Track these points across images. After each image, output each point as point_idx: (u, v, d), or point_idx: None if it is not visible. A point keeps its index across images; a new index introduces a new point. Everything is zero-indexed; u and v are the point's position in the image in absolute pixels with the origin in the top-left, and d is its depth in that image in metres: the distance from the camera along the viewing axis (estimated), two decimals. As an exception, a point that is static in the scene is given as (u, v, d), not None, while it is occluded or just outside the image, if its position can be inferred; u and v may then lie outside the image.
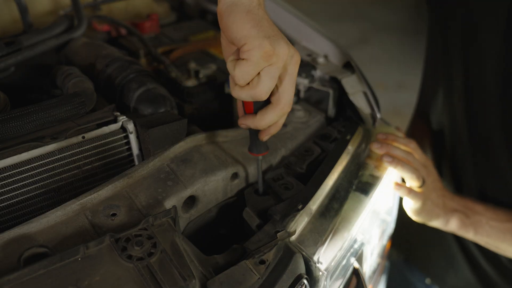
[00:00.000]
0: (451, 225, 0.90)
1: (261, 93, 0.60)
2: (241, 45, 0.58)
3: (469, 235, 0.90)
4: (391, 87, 3.61)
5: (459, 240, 1.12)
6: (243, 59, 0.58)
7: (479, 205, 0.91)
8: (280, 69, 0.60)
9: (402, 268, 1.33)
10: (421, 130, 1.21)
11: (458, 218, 0.89)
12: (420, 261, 1.29)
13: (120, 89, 0.87)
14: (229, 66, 0.60)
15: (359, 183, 0.83)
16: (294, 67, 0.61)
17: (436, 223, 0.92)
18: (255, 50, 0.57)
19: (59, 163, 0.71)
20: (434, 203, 0.89)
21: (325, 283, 0.68)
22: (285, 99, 0.63)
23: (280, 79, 0.62)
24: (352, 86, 0.92)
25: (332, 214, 0.75)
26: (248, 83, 0.60)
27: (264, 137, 0.69)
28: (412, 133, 1.28)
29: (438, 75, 1.09)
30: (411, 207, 0.92)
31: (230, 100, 1.03)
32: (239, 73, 0.58)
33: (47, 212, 0.65)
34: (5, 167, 0.66)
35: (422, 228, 1.23)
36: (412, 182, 0.88)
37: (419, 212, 0.91)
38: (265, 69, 0.59)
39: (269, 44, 0.57)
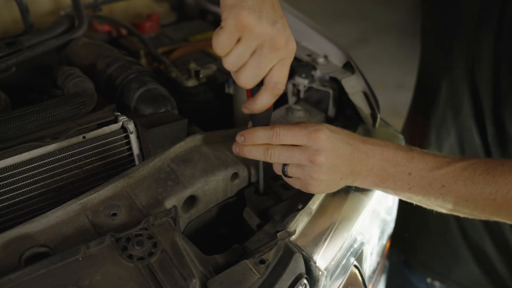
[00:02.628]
0: (366, 183, 0.74)
1: (228, 66, 0.61)
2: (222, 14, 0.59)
3: (388, 190, 0.74)
4: (391, 87, 3.62)
5: (465, 234, 1.12)
6: (221, 27, 0.58)
7: (401, 154, 0.72)
8: (253, 46, 0.59)
9: (403, 269, 1.32)
10: (420, 124, 1.21)
11: (373, 174, 0.72)
12: (422, 260, 1.28)
13: (121, 89, 0.87)
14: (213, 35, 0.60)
15: (359, 183, 0.83)
16: (268, 49, 0.59)
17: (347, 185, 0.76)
18: (231, 19, 0.57)
19: (60, 163, 0.71)
20: (333, 180, 0.71)
21: (325, 282, 0.68)
22: (243, 76, 0.62)
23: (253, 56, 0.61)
24: (352, 86, 0.93)
25: (332, 214, 0.75)
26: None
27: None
28: (411, 128, 1.28)
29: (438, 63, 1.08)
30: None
31: (230, 100, 1.03)
32: (214, 40, 0.59)
33: (48, 212, 0.65)
34: (6, 167, 0.67)
35: (423, 225, 1.22)
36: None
37: (306, 190, 0.73)
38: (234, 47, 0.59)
39: (247, 15, 0.57)
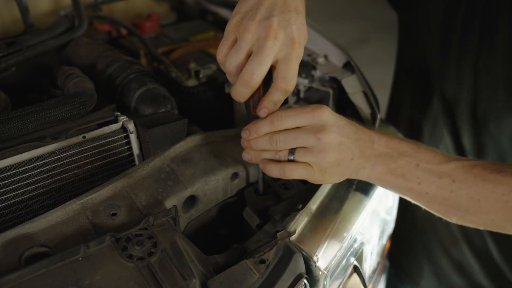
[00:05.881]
0: (374, 173, 0.70)
1: (227, 67, 0.63)
2: None
3: (397, 182, 0.69)
4: (390, 87, 3.60)
5: (443, 246, 1.11)
6: None
7: (407, 145, 0.69)
8: (248, 42, 0.61)
9: (392, 279, 1.31)
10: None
11: (382, 163, 0.68)
12: (407, 272, 1.27)
13: (121, 89, 0.87)
14: None
15: (359, 182, 0.83)
16: (263, 43, 0.60)
17: (356, 176, 0.72)
18: (227, 26, 0.63)
19: (60, 163, 0.71)
20: (344, 160, 0.67)
21: (325, 282, 0.68)
22: (245, 72, 0.63)
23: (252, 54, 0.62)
24: (352, 86, 0.93)
25: (332, 214, 0.75)
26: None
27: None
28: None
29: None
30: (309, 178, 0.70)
31: (230, 100, 1.03)
32: (220, 46, 0.64)
33: (48, 211, 0.65)
34: (6, 167, 0.67)
35: (405, 238, 1.21)
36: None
37: (324, 179, 0.70)
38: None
39: (238, 18, 0.62)
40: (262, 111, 0.66)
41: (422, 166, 0.68)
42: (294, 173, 0.67)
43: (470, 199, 0.66)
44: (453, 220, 0.70)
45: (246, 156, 0.71)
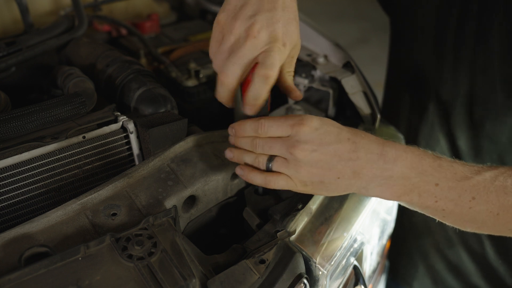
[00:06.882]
0: (386, 194, 0.65)
1: (214, 66, 0.65)
2: None
3: (413, 201, 0.65)
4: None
5: (439, 249, 1.11)
6: None
7: (428, 162, 0.64)
8: (231, 40, 0.62)
9: (389, 282, 1.31)
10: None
11: (395, 185, 0.63)
12: (403, 277, 1.27)
13: (121, 89, 0.87)
14: None
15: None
16: (242, 42, 0.61)
17: (360, 193, 0.68)
18: (215, 20, 0.64)
19: (60, 163, 0.71)
20: (328, 177, 0.64)
21: (325, 282, 0.68)
22: (220, 71, 0.64)
23: None
24: (352, 86, 0.93)
25: (332, 214, 0.75)
26: None
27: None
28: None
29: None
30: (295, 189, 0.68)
31: (230, 100, 1.03)
32: (210, 44, 0.66)
33: (48, 211, 0.65)
34: (6, 167, 0.67)
35: (404, 238, 1.21)
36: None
37: (310, 191, 0.68)
38: None
39: (221, 16, 0.63)
40: (246, 108, 0.66)
41: (442, 185, 0.63)
42: (275, 183, 0.67)
43: (489, 214, 0.64)
44: (467, 230, 0.68)
45: (229, 154, 0.70)
